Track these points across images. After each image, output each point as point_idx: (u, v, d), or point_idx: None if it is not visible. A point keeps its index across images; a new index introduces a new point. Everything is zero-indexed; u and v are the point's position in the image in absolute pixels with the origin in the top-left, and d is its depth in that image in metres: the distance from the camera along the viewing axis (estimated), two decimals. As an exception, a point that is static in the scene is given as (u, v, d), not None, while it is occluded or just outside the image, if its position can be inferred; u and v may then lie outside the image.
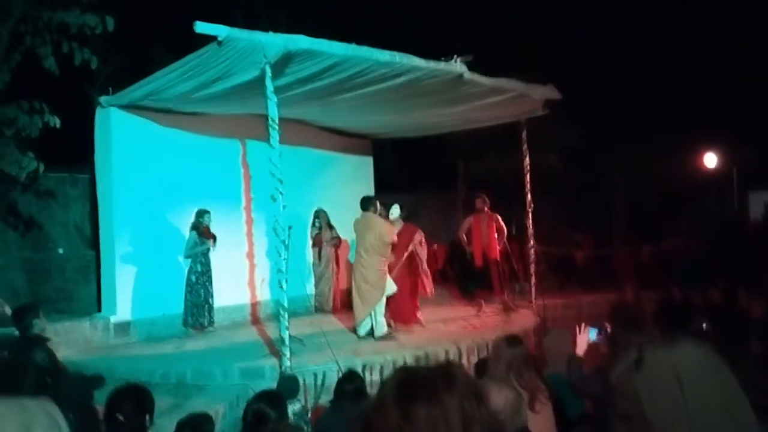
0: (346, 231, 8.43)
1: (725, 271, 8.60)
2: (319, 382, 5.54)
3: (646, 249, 11.30)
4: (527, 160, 8.83)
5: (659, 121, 11.88)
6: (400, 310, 7.19)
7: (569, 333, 3.41)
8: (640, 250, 11.34)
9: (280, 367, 5.39)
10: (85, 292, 7.97)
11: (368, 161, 10.66)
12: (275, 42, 5.09)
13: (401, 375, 1.09)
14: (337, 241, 8.88)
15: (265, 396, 2.99)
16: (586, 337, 3.13)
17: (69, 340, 6.75)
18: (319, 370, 5.58)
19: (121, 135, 7.40)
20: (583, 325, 3.19)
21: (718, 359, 1.11)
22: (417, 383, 1.05)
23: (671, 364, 1.09)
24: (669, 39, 11.60)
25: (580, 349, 3.11)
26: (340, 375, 4.52)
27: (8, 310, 5.69)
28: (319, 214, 8.88)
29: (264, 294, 8.67)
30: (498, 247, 8.45)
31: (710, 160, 13.08)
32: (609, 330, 3.17)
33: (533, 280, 8.83)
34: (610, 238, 12.89)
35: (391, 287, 6.87)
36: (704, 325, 5.43)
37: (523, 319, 7.99)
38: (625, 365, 1.14)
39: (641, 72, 11.69)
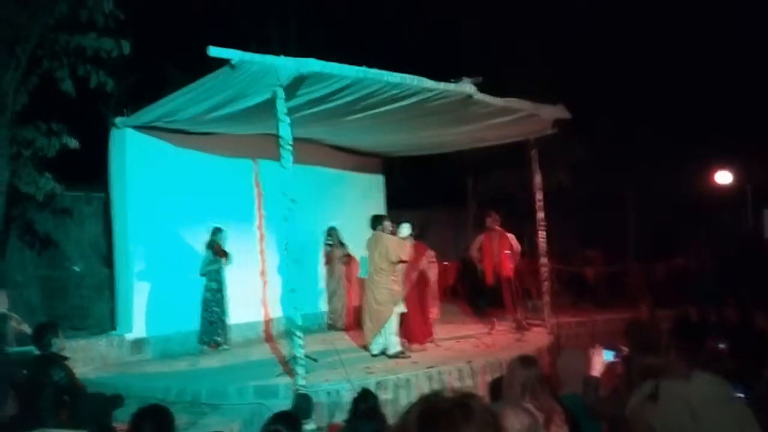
0: (357, 248, 8.48)
1: (740, 288, 8.51)
2: (333, 400, 5.53)
3: (660, 266, 11.21)
4: (538, 178, 8.80)
5: (672, 137, 11.83)
6: (412, 329, 7.19)
7: (583, 352, 3.40)
8: (654, 267, 11.25)
9: (294, 385, 5.40)
10: (100, 309, 8.04)
11: (379, 179, 10.72)
12: (287, 65, 5.16)
13: (422, 405, 1.14)
14: (347, 259, 8.95)
15: (281, 418, 3.00)
16: (602, 358, 3.12)
17: (84, 358, 6.80)
18: (332, 388, 5.57)
19: (136, 155, 7.52)
20: (597, 346, 3.19)
21: (732, 391, 1.13)
22: (437, 414, 1.09)
23: (685, 396, 1.11)
24: (679, 53, 11.60)
25: (596, 370, 3.10)
26: (354, 394, 4.52)
27: (26, 328, 5.77)
28: (332, 232, 8.97)
29: (277, 311, 8.69)
30: (510, 265, 8.43)
31: (723, 177, 12.97)
32: (624, 351, 3.15)
33: (546, 298, 8.77)
34: (623, 254, 12.80)
35: (399, 306, 6.88)
36: (720, 344, 5.38)
37: (537, 338, 7.94)
38: (640, 397, 1.16)
39: (653, 87, 11.68)
